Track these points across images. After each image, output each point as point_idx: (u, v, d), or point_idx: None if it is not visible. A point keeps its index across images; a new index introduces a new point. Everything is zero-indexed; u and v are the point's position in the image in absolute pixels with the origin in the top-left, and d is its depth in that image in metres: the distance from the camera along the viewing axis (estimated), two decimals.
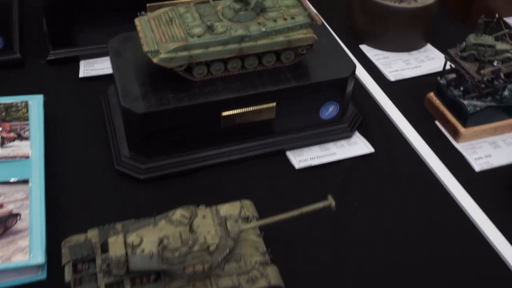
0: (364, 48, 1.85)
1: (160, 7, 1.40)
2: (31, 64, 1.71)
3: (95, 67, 1.70)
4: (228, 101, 1.35)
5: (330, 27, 1.89)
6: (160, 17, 1.37)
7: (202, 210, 1.08)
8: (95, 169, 1.41)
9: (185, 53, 1.29)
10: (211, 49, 1.30)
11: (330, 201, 1.10)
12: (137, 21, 1.37)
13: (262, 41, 1.34)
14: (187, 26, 1.32)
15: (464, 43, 1.53)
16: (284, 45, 1.36)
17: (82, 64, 1.71)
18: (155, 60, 1.28)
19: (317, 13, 1.40)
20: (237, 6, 1.34)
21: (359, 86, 1.71)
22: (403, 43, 1.83)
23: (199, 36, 1.30)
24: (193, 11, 1.37)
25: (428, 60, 1.80)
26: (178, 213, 1.05)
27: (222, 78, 1.38)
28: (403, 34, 1.81)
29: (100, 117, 1.53)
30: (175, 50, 1.28)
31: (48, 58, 1.70)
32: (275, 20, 1.35)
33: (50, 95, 1.56)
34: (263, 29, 1.33)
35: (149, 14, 1.39)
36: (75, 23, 1.67)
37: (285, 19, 1.36)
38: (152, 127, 1.33)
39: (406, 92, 1.69)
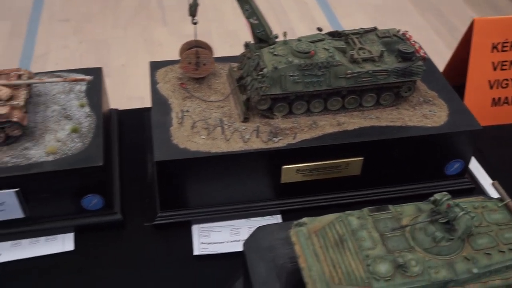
0: None
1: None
2: (133, 227, 1.39)
3: (213, 238, 1.36)
4: None
5: None
6: (325, 232, 1.01)
7: None
8: None
9: None
10: None
11: None
12: (293, 236, 1.01)
13: (472, 286, 0.96)
14: (367, 256, 0.95)
15: None
16: None
17: (195, 231, 1.37)
18: None
19: None
20: (439, 234, 0.97)
21: None
22: None
23: (387, 280, 0.93)
24: (370, 227, 1.00)
25: None
26: None
27: None
28: None
29: None
30: None
31: (156, 222, 1.37)
32: (488, 254, 0.97)
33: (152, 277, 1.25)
34: (475, 270, 0.95)
35: (309, 225, 1.03)
36: (189, 183, 1.34)
37: (501, 251, 0.98)
38: None
39: None
